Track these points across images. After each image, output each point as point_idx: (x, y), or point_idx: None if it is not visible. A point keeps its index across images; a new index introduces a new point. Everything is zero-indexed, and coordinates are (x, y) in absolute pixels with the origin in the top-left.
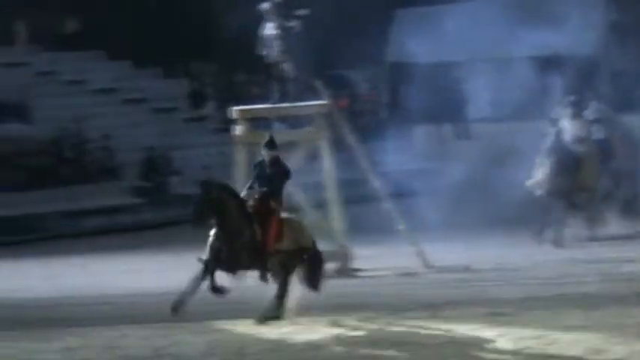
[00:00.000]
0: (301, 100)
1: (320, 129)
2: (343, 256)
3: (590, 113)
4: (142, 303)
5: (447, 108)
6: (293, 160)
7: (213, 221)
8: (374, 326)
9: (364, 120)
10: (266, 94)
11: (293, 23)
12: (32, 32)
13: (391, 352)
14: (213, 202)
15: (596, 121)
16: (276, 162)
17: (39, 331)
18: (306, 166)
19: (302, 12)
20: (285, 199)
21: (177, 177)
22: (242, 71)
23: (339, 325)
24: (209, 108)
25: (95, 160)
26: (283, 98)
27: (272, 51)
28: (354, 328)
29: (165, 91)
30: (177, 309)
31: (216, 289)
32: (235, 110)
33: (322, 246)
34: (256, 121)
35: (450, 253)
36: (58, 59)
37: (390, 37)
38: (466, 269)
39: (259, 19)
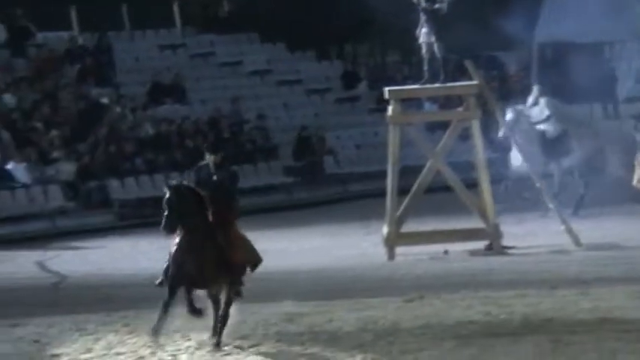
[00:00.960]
0: (452, 81)
1: (471, 109)
2: (494, 235)
3: None
4: (298, 280)
5: (596, 88)
6: (444, 140)
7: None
8: (525, 302)
9: (513, 100)
10: (417, 74)
11: (440, 5)
12: (188, 15)
13: (543, 330)
14: (184, 208)
15: None
16: (222, 166)
17: None
18: (456, 145)
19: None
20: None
21: (331, 157)
22: (394, 52)
23: (492, 303)
24: (362, 89)
25: (251, 140)
26: (434, 79)
27: (423, 33)
28: (505, 305)
29: (318, 73)
30: (156, 333)
31: (195, 311)
32: (388, 90)
33: (474, 224)
34: (408, 101)
35: (598, 230)
36: (213, 41)
37: (538, 18)
38: (615, 247)
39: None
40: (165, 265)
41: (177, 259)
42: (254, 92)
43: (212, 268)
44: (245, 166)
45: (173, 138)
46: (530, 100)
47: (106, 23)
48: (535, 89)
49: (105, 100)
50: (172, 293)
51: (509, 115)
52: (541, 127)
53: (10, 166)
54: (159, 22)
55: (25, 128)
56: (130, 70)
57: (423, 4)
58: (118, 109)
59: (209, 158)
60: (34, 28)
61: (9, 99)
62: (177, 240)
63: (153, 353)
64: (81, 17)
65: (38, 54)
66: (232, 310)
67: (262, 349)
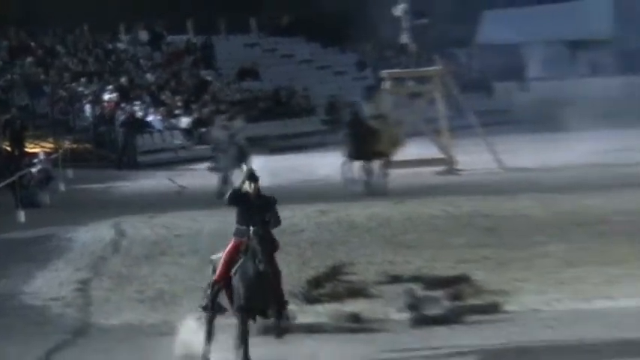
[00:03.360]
0: (425, 67)
1: (436, 85)
2: (451, 161)
3: None
4: (326, 187)
5: (512, 71)
6: (418, 104)
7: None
8: (470, 204)
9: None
10: (403, 63)
11: (422, 20)
12: (260, 24)
13: (480, 219)
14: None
15: None
16: (259, 193)
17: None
18: (428, 108)
19: (425, 20)
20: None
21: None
22: (389, 49)
23: (449, 204)
24: (368, 72)
25: (299, 104)
26: (412, 65)
27: (406, 37)
28: (457, 205)
29: (341, 61)
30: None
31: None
32: (384, 72)
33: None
34: (398, 79)
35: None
36: (277, 41)
37: (479, 25)
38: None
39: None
40: (210, 290)
41: (252, 287)
42: (302, 75)
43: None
44: (296, 119)
45: (251, 102)
46: None
47: (210, 29)
48: None
49: (209, 78)
50: (246, 320)
51: None
52: None
53: (150, 117)
54: (242, 28)
55: (159, 95)
56: (226, 59)
57: (406, 20)
58: (218, 84)
59: (248, 185)
60: (165, 32)
61: (150, 77)
62: (239, 267)
63: None
64: (194, 25)
65: (168, 49)
66: None
67: (305, 234)
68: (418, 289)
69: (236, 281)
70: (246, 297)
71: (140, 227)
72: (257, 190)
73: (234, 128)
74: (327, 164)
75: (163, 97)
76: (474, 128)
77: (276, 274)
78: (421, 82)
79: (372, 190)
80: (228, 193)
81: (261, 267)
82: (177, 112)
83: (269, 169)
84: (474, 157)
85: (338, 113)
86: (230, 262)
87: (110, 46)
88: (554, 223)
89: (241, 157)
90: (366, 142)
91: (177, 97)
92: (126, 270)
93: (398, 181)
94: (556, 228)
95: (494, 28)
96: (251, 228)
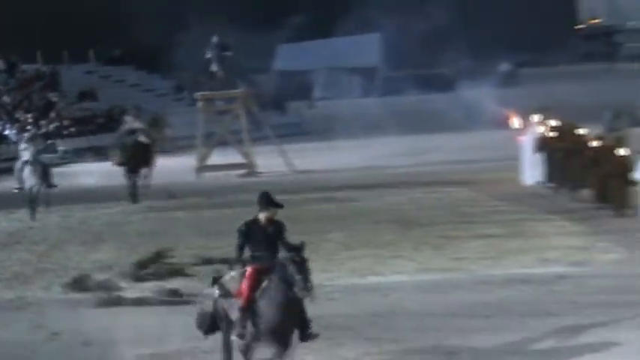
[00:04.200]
0: (230, 89)
1: (239, 104)
2: (252, 165)
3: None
4: None
5: (301, 92)
6: (226, 120)
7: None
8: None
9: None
10: (213, 86)
11: (227, 52)
12: (98, 54)
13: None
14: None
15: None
16: (274, 221)
17: None
18: (233, 122)
19: (229, 53)
20: None
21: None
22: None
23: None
24: (185, 94)
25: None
26: (220, 88)
27: (215, 66)
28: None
29: (164, 85)
30: None
31: None
32: (199, 94)
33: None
34: (210, 100)
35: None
36: (110, 69)
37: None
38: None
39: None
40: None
41: (283, 312)
42: (131, 96)
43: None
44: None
45: (90, 118)
46: None
47: (56, 60)
48: None
49: (55, 99)
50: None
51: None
52: None
53: (7, 132)
54: (82, 59)
55: (14, 114)
56: (69, 84)
57: (215, 52)
58: (62, 104)
59: (261, 215)
60: (19, 62)
61: (6, 99)
62: (265, 292)
63: None
64: (43, 56)
65: (22, 76)
66: None
67: (133, 225)
68: (225, 269)
69: (263, 306)
70: (277, 322)
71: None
72: (272, 216)
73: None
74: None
75: (17, 115)
76: (271, 138)
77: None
78: (228, 101)
79: (135, 195)
80: (241, 227)
81: (302, 295)
82: (28, 127)
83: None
84: (271, 162)
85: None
86: (254, 287)
87: None
88: (336, 215)
89: (45, 176)
90: (134, 154)
91: (29, 115)
92: None
93: (210, 181)
94: (337, 218)
95: (288, 58)
96: (281, 254)
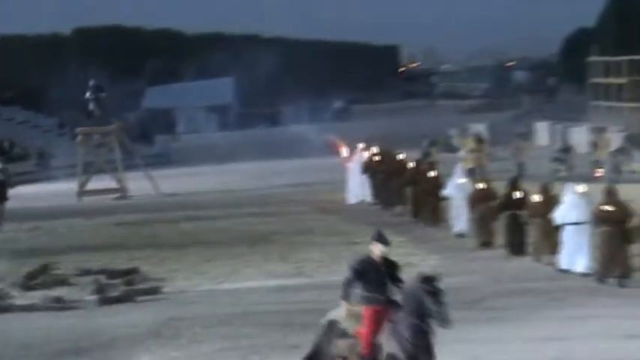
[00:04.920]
0: (105, 125)
1: (114, 137)
2: (124, 190)
3: None
4: None
5: (167, 127)
6: (102, 151)
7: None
8: (138, 217)
9: (134, 134)
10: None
11: (102, 94)
12: None
13: (151, 228)
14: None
15: None
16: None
17: None
18: (108, 153)
19: (104, 94)
20: None
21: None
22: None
23: (124, 219)
24: (68, 129)
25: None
26: (96, 124)
27: (92, 105)
28: (132, 220)
29: (47, 122)
30: None
31: None
32: (79, 129)
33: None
34: (88, 134)
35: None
36: None
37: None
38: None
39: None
40: None
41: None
42: (20, 132)
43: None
44: (15, 163)
45: None
46: None
47: None
48: None
49: None
50: None
51: None
52: None
53: None
54: None
55: None
56: None
57: (91, 94)
58: None
59: (375, 250)
60: None
61: None
62: (393, 334)
63: None
64: None
65: None
66: None
67: (22, 243)
68: (103, 279)
69: (392, 347)
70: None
71: None
72: (386, 254)
73: None
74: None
75: None
76: (141, 167)
77: None
78: (104, 136)
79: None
80: (355, 264)
81: (442, 326)
82: None
83: None
84: (141, 186)
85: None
86: (376, 331)
87: None
88: (196, 231)
89: None
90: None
91: None
92: None
93: (89, 204)
94: (197, 234)
95: (154, 98)
96: (409, 285)
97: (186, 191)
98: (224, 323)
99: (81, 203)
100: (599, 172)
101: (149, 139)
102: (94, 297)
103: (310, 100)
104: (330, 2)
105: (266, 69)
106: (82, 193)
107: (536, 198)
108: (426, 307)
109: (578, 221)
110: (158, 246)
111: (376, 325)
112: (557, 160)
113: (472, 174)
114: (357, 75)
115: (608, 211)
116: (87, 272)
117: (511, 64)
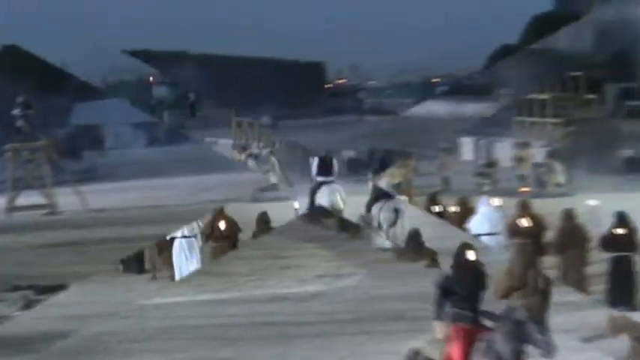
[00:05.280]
0: (34, 141)
1: (42, 153)
2: (53, 205)
3: None
4: None
5: (95, 143)
6: (30, 167)
7: None
8: (65, 234)
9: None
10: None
11: (29, 111)
12: None
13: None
14: None
15: None
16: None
17: None
18: (37, 169)
19: (32, 111)
20: None
21: None
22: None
23: (54, 235)
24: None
25: None
26: (25, 140)
27: (20, 122)
28: (62, 235)
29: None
30: None
31: None
32: (8, 146)
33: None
34: (17, 150)
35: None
36: None
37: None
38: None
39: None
40: None
41: None
42: None
43: None
44: None
45: None
46: None
47: None
48: None
49: None
50: None
51: None
52: None
53: None
54: None
55: None
56: None
57: (19, 111)
58: None
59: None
60: None
61: None
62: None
63: None
64: None
65: None
66: None
67: None
68: (31, 294)
69: None
70: None
71: None
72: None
73: None
74: None
75: None
76: (69, 182)
77: None
78: (32, 152)
79: None
80: (441, 281)
81: (547, 356)
82: None
83: None
84: (70, 202)
85: None
86: (467, 352)
87: None
88: (125, 247)
89: None
90: None
91: None
92: None
93: (19, 220)
94: (126, 250)
95: (82, 114)
96: (510, 309)
97: (114, 207)
98: (157, 338)
99: (10, 219)
100: (525, 188)
101: (77, 155)
102: (21, 313)
103: (237, 116)
104: (257, 19)
105: (193, 85)
106: (11, 209)
107: (452, 209)
108: (528, 334)
109: (491, 232)
110: (85, 261)
111: (467, 346)
112: (481, 174)
113: (397, 189)
114: (284, 91)
115: (522, 224)
116: (15, 288)
117: (436, 80)
